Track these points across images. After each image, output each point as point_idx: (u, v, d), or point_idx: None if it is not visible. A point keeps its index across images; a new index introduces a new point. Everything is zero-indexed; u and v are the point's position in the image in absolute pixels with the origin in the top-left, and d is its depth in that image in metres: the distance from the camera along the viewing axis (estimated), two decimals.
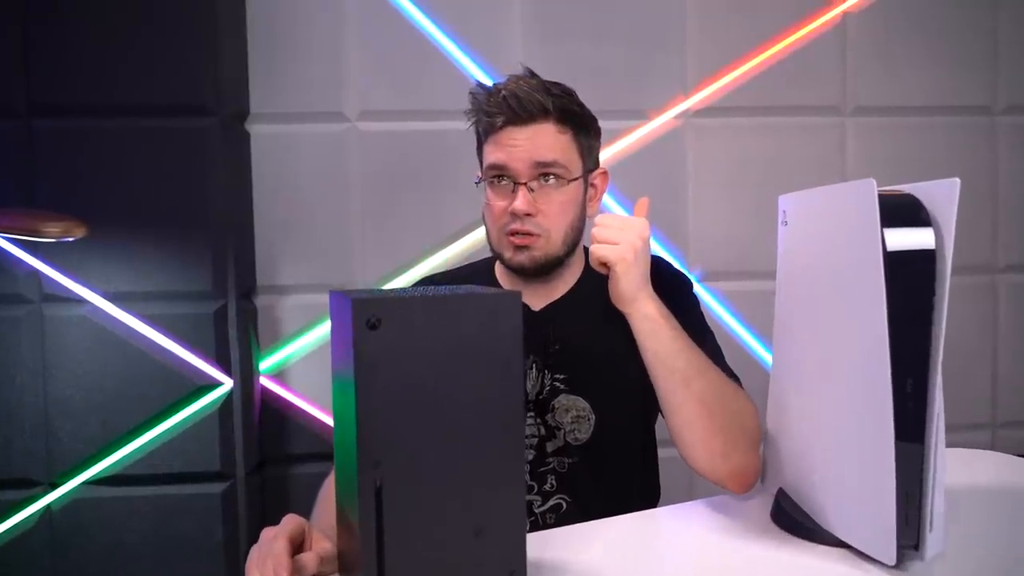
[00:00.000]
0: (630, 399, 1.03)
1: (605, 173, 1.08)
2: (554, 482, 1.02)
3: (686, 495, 1.78)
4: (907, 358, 0.61)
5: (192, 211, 1.60)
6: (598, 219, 0.91)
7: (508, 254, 1.01)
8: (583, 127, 1.02)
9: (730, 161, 1.80)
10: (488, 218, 1.03)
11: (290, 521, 0.70)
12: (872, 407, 0.61)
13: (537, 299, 1.06)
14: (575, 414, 1.01)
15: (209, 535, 1.62)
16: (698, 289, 1.81)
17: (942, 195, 0.60)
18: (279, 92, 1.71)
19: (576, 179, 1.01)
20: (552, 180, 0.98)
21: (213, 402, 1.61)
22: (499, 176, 1.00)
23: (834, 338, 0.67)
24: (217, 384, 1.62)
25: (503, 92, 0.98)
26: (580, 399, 1.01)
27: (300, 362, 1.75)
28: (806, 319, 0.74)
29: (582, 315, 1.04)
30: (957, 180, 0.59)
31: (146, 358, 1.59)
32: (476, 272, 1.15)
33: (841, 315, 0.66)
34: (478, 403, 0.54)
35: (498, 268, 1.11)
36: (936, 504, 0.62)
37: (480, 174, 1.05)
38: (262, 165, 1.72)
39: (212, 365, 1.61)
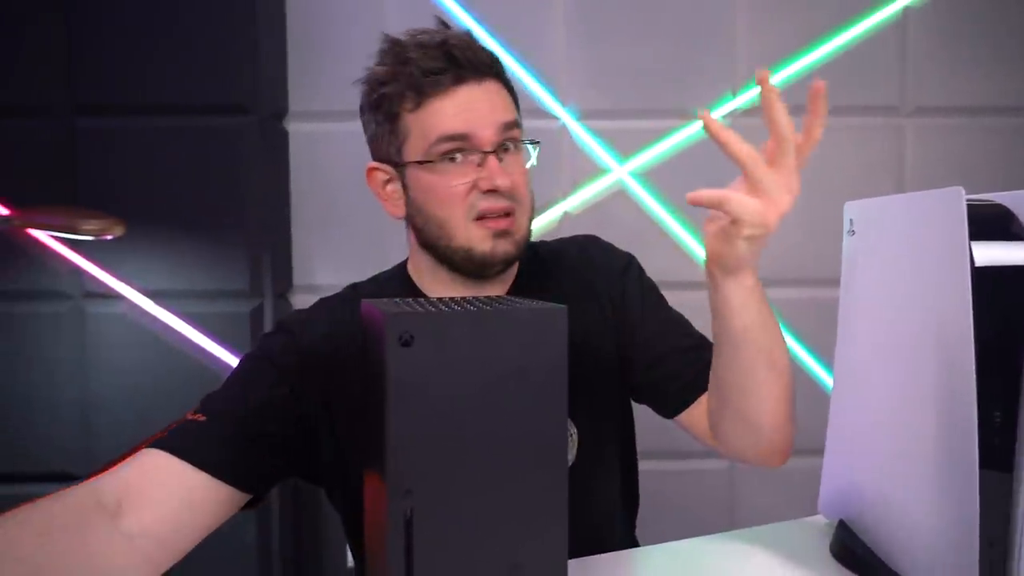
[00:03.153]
0: (611, 406, 0.91)
1: None
2: None
3: (727, 510, 1.73)
4: (996, 387, 0.54)
5: (229, 210, 1.60)
6: (764, 147, 0.67)
7: (485, 246, 0.80)
8: (513, 89, 0.87)
9: None
10: (439, 207, 0.80)
11: None
12: (953, 440, 0.55)
13: None
14: None
15: (242, 537, 1.61)
16: None
17: None
18: (317, 90, 1.70)
19: (528, 143, 0.85)
20: (513, 145, 0.82)
21: None
22: (458, 150, 0.79)
23: (911, 362, 0.61)
24: None
25: (445, 42, 0.79)
26: None
27: None
28: (876, 338, 0.68)
29: None
30: None
31: (183, 356, 1.59)
32: (391, 279, 0.93)
33: (920, 337, 0.59)
34: (518, 429, 0.50)
35: (416, 271, 0.90)
36: None
37: (393, 161, 0.82)
38: (300, 163, 1.71)
39: None
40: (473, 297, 0.58)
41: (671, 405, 0.89)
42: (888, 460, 0.65)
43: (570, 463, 0.87)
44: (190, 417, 0.75)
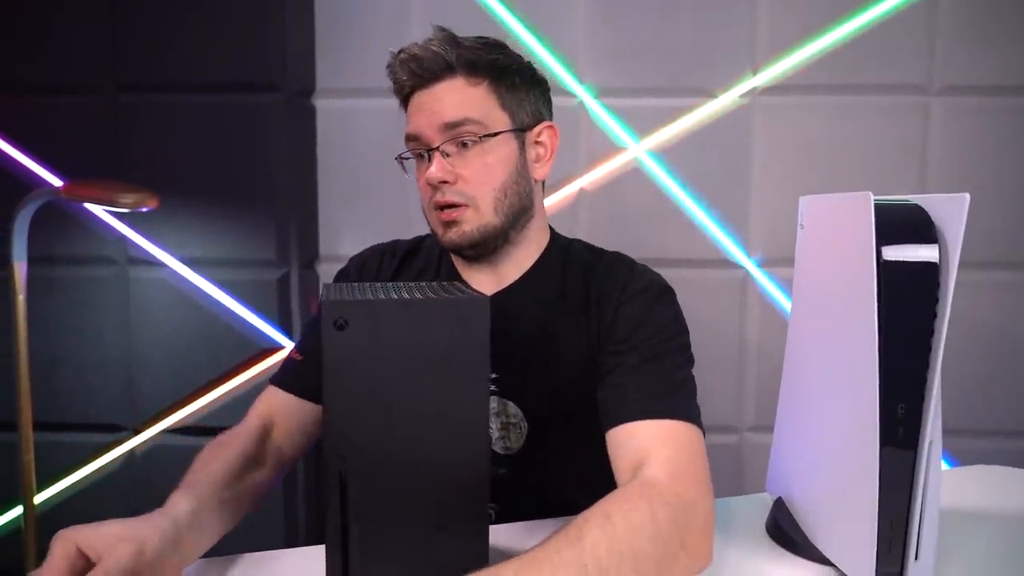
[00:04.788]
0: (569, 404, 0.89)
1: (552, 127, 0.94)
2: None
3: (735, 483, 1.77)
4: (900, 381, 0.58)
5: (259, 183, 1.69)
6: None
7: (440, 232, 0.90)
8: (503, 76, 0.89)
9: (799, 143, 1.71)
10: (421, 196, 0.92)
11: (60, 547, 0.60)
12: (858, 431, 0.59)
13: (487, 284, 0.93)
14: (504, 420, 0.90)
15: (269, 506, 1.73)
16: (756, 273, 1.75)
17: (950, 210, 0.57)
18: (344, 67, 1.76)
19: (498, 134, 0.87)
20: (468, 141, 0.86)
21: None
22: (416, 148, 0.89)
23: (831, 353, 0.65)
24: (280, 348, 1.72)
25: (402, 55, 0.88)
26: (511, 403, 0.90)
27: None
28: (811, 330, 0.71)
29: (530, 307, 0.91)
30: (967, 196, 0.55)
31: (217, 320, 1.71)
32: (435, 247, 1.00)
33: (838, 331, 0.63)
34: (444, 405, 0.56)
35: None
36: (926, 533, 0.60)
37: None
38: (326, 138, 1.78)
39: (276, 329, 1.71)
40: (425, 284, 0.64)
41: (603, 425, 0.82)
42: (812, 444, 0.69)
43: (515, 451, 0.90)
44: (292, 356, 0.95)
